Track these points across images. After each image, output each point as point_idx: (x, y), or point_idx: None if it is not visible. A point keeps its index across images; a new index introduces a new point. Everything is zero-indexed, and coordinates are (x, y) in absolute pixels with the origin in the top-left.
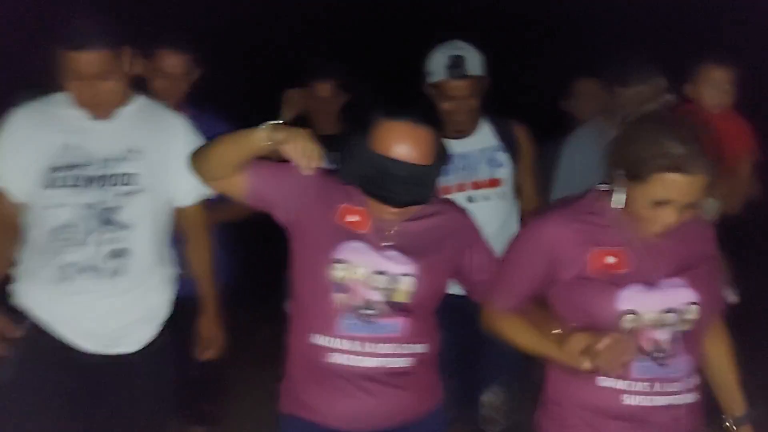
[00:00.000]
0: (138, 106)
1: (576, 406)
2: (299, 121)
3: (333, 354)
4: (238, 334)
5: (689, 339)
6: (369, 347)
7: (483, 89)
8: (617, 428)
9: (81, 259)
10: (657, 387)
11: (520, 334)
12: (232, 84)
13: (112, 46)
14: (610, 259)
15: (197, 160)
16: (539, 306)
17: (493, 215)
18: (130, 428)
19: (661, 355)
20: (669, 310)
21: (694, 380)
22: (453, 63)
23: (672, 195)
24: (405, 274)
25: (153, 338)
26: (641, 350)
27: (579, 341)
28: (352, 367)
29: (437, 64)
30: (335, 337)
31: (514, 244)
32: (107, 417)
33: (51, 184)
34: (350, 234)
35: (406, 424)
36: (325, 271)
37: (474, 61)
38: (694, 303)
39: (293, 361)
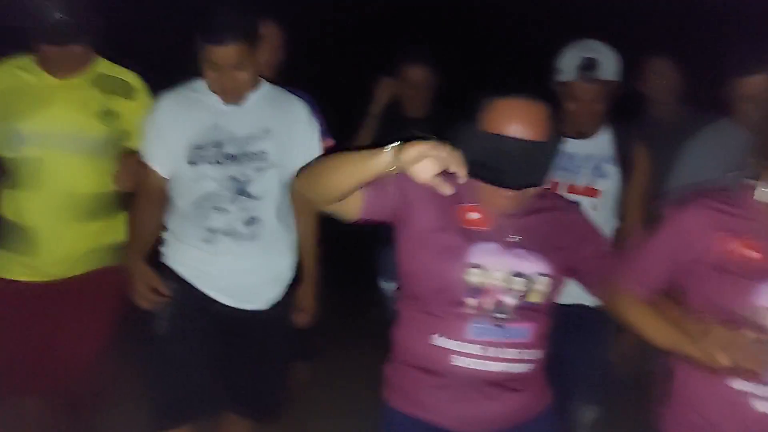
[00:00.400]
0: (265, 90)
1: (703, 406)
2: (390, 107)
3: (458, 357)
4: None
5: None
6: (494, 352)
7: (613, 94)
8: None
9: (223, 225)
10: None
11: (652, 324)
12: (323, 71)
13: (245, 40)
14: (751, 253)
15: (307, 181)
16: (672, 302)
17: None
18: (261, 374)
19: None
20: None
21: None
22: (585, 65)
23: None
24: (541, 274)
25: (279, 298)
26: None
27: (718, 336)
28: (476, 371)
29: (568, 63)
30: (463, 341)
31: (654, 230)
32: (242, 362)
33: (197, 160)
34: (478, 235)
35: (519, 425)
36: (460, 276)
37: (608, 65)
38: None
39: (406, 358)
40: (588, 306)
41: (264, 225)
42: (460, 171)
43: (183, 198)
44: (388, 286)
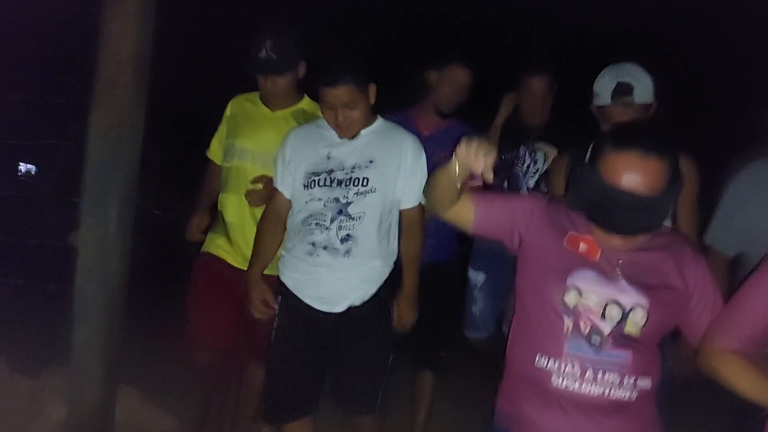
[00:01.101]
0: (378, 125)
1: None
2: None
3: (559, 377)
4: None
5: None
6: (593, 374)
7: (650, 115)
8: None
9: (323, 240)
10: None
11: (743, 377)
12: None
13: (356, 83)
14: None
15: (426, 192)
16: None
17: None
18: (361, 366)
19: None
20: None
21: None
22: (620, 90)
23: None
24: (637, 306)
25: (371, 294)
26: None
27: None
28: (576, 392)
29: (604, 87)
30: (562, 360)
31: (749, 280)
32: (342, 358)
33: (311, 184)
34: (582, 261)
35: None
36: (558, 295)
37: (643, 89)
38: None
39: (514, 377)
40: None
41: (358, 243)
42: (487, 174)
43: (295, 216)
44: (474, 275)
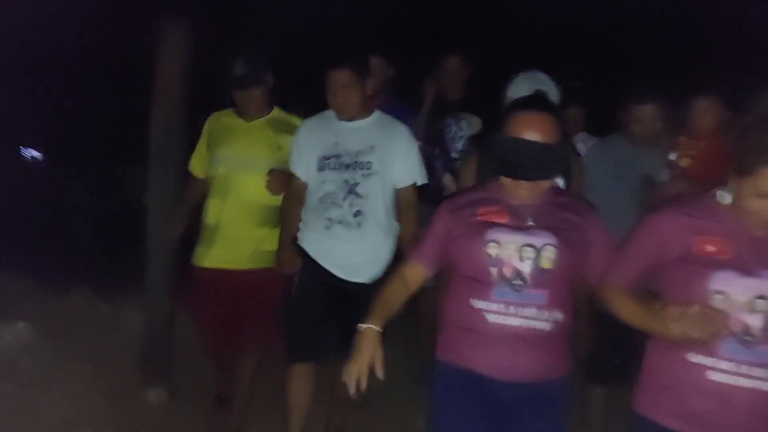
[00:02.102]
0: (376, 117)
1: (667, 377)
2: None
3: (488, 314)
4: None
5: None
6: (515, 310)
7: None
8: (701, 402)
9: (338, 215)
10: (743, 369)
11: (628, 308)
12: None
13: (354, 70)
14: (711, 247)
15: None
16: (645, 293)
17: None
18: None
19: (750, 339)
20: (761, 297)
21: None
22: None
23: None
24: (547, 245)
25: (380, 275)
26: (730, 331)
27: (673, 310)
28: (502, 326)
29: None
30: (491, 302)
31: (634, 231)
32: (346, 320)
33: (323, 168)
34: (495, 224)
35: (538, 381)
36: (482, 250)
37: (554, 96)
38: None
39: (450, 327)
40: None
41: (367, 217)
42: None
43: (312, 196)
44: None
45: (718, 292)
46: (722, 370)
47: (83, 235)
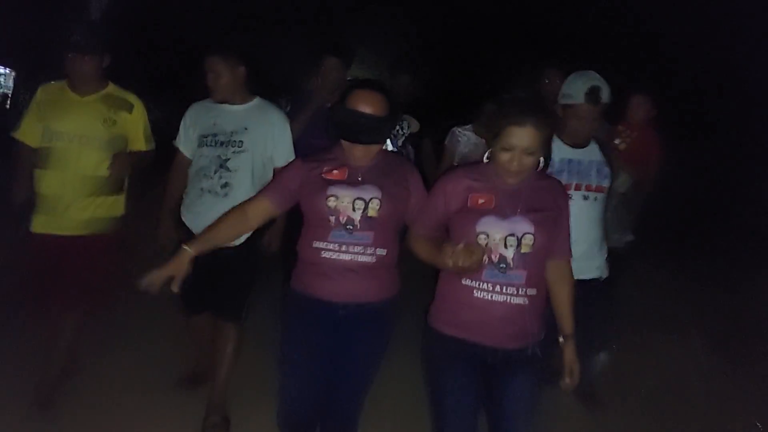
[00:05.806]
0: (255, 103)
1: (447, 297)
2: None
3: (325, 252)
4: None
5: (527, 259)
6: (347, 248)
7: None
8: (469, 314)
9: (208, 186)
10: (498, 288)
11: (424, 249)
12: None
13: (223, 58)
14: (481, 200)
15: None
16: (440, 240)
17: (595, 213)
18: (229, 286)
19: (504, 266)
20: (511, 235)
21: (530, 290)
22: (591, 91)
23: (513, 141)
24: (373, 198)
25: (244, 240)
26: (491, 261)
27: (447, 247)
28: (336, 260)
29: (576, 90)
30: (328, 242)
31: (432, 189)
32: (217, 280)
33: (201, 144)
34: (334, 181)
35: (365, 302)
36: (323, 203)
37: (606, 91)
38: (529, 233)
39: (301, 264)
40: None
41: (234, 188)
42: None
43: (191, 169)
44: None
45: (482, 233)
46: (484, 290)
47: None
